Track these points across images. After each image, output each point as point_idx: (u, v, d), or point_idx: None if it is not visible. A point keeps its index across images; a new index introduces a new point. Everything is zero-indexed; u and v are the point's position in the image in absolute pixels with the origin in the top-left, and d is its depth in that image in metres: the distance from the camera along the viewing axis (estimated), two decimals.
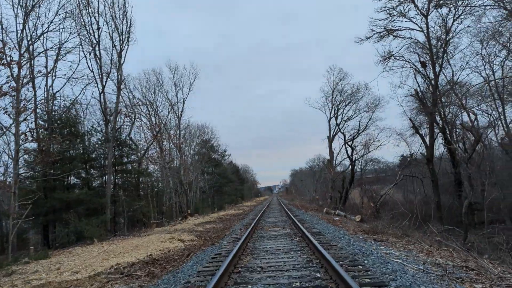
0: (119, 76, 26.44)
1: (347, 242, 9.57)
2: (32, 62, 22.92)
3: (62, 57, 25.27)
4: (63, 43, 24.78)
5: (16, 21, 21.27)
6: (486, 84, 26.80)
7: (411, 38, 27.26)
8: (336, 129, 45.19)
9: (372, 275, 5.76)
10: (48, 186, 22.98)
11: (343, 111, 44.99)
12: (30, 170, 24.21)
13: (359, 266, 6.45)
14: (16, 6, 21.33)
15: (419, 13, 25.99)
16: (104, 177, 28.21)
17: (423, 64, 27.19)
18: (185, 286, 6.16)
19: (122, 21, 26.36)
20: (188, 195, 39.53)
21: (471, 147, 25.83)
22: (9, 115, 18.38)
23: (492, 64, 27.09)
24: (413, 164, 35.03)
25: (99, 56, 25.78)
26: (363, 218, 22.76)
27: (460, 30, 25.50)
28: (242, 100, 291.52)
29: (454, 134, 28.98)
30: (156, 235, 17.19)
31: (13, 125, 18.47)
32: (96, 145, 29.31)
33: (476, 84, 27.25)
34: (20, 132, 18.70)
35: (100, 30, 25.77)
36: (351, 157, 42.99)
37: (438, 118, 27.24)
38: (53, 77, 25.41)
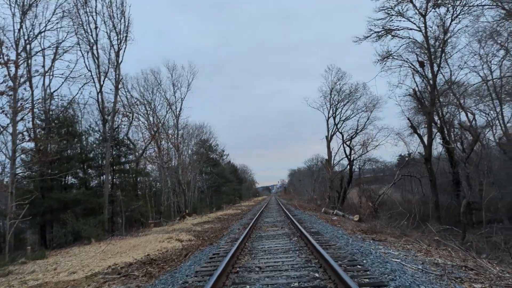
0: (117, 75, 26.38)
1: (345, 242, 9.54)
2: (29, 61, 22.84)
3: (60, 56, 25.18)
4: (60, 43, 24.69)
5: (13, 20, 21.19)
6: (484, 84, 26.85)
7: (409, 38, 27.29)
8: (334, 129, 45.21)
9: (371, 275, 5.73)
10: (45, 186, 22.86)
11: (341, 111, 45.00)
12: (27, 169, 24.10)
13: (358, 266, 6.42)
14: (13, 5, 21.23)
15: (417, 12, 26.01)
16: (101, 177, 28.12)
17: (421, 64, 27.18)
18: (182, 286, 6.12)
19: (120, 20, 26.35)
20: (186, 195, 39.47)
21: (469, 147, 25.86)
22: (6, 114, 18.33)
23: (490, 64, 27.18)
24: (411, 163, 35.05)
25: (96, 55, 25.76)
26: (361, 217, 22.74)
27: (458, 29, 25.55)
28: (241, 100, 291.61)
29: (452, 133, 29.02)
30: (154, 235, 17.13)
31: (10, 124, 18.40)
32: (94, 145, 29.19)
33: (474, 84, 27.32)
34: (17, 131, 18.62)
35: (98, 29, 25.76)
36: (349, 156, 42.99)
37: (436, 118, 27.27)
38: (51, 77, 25.36)
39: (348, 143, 43.13)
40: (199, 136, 54.22)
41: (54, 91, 25.79)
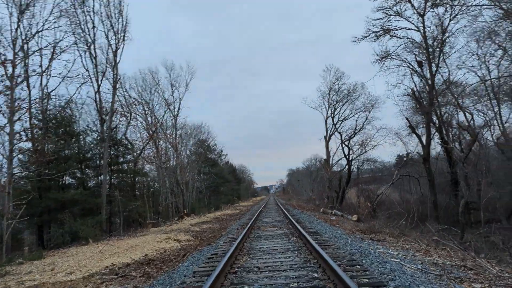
0: (115, 75, 26.25)
1: (344, 242, 9.51)
2: (26, 61, 22.69)
3: (57, 56, 24.97)
4: (58, 42, 24.51)
5: (10, 19, 21.06)
6: (482, 84, 26.87)
7: (408, 38, 27.28)
8: (332, 129, 45.18)
9: (371, 275, 5.70)
10: (42, 186, 22.77)
11: (339, 111, 44.95)
12: (24, 170, 23.98)
13: (357, 266, 6.38)
14: (10, 5, 21.11)
15: (416, 12, 26.01)
16: (99, 177, 28.01)
17: (420, 64, 27.19)
18: (180, 287, 6.07)
19: (118, 20, 26.21)
20: (185, 195, 39.39)
21: (468, 147, 25.88)
22: (3, 114, 18.18)
23: (488, 64, 27.20)
24: (410, 163, 35.07)
25: (94, 55, 25.60)
26: (360, 217, 22.76)
27: (457, 29, 25.56)
28: (240, 100, 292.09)
29: (450, 133, 29.03)
30: (152, 235, 17.07)
31: (7, 124, 18.28)
32: (92, 145, 29.09)
33: (472, 84, 27.34)
34: (15, 131, 18.52)
35: (96, 29, 25.59)
36: (347, 156, 43.01)
37: (434, 118, 27.27)
38: (48, 76, 25.16)
39: (346, 143, 43.18)
40: (197, 136, 54.17)
41: (51, 91, 25.64)
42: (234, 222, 21.64)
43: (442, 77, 27.88)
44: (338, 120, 44.84)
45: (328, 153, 45.67)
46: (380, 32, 27.08)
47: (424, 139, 28.61)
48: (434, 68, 26.36)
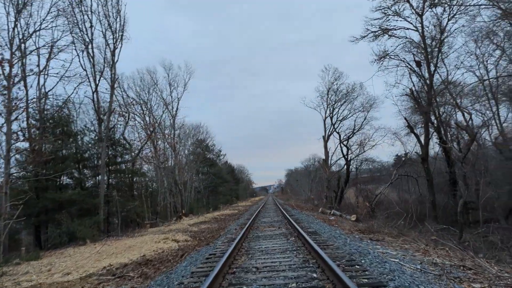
0: (113, 75, 26.22)
1: (343, 242, 9.47)
2: (24, 60, 22.65)
3: (55, 55, 24.96)
4: (55, 42, 24.49)
5: (7, 19, 21.05)
6: (480, 84, 26.90)
7: (406, 38, 27.24)
8: (331, 129, 45.18)
9: (370, 275, 5.65)
10: (40, 186, 22.68)
11: (338, 111, 44.98)
12: (22, 170, 23.88)
13: (356, 266, 6.34)
14: (8, 4, 21.08)
15: (414, 12, 25.98)
16: (97, 177, 27.94)
17: (418, 64, 27.18)
18: (178, 287, 6.01)
19: (116, 19, 26.17)
20: (183, 195, 39.33)
21: (466, 147, 25.85)
22: (0, 114, 18.12)
23: (486, 64, 27.23)
24: (408, 163, 35.06)
25: (92, 54, 25.56)
26: (358, 217, 22.72)
27: (455, 29, 25.55)
28: (239, 100, 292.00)
29: (448, 133, 29.03)
30: (150, 236, 17.02)
31: (4, 124, 18.20)
32: (89, 145, 29.01)
33: (471, 84, 27.36)
34: (12, 131, 18.43)
35: (93, 28, 25.56)
36: (346, 156, 42.97)
37: (433, 118, 27.26)
38: (45, 76, 25.12)
39: (345, 143, 43.15)
40: (195, 136, 54.11)
41: (49, 91, 25.58)
42: (233, 222, 21.58)
43: (440, 77, 27.91)
44: (336, 120, 44.89)
45: (326, 153, 45.67)
46: (379, 32, 27.05)
47: (422, 139, 28.61)
48: (432, 68, 26.36)
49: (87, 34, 25.36)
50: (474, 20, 23.29)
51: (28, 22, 22.48)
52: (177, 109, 40.36)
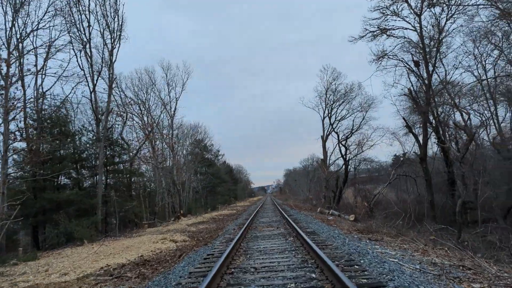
0: (111, 74, 26.13)
1: (342, 242, 9.43)
2: (21, 60, 22.55)
3: (52, 55, 24.85)
4: (53, 41, 24.39)
5: (5, 18, 20.96)
6: (479, 84, 26.95)
7: (405, 37, 27.29)
8: (329, 129, 45.24)
9: (369, 275, 5.62)
10: (37, 186, 22.56)
11: (336, 111, 45.10)
12: (19, 170, 23.78)
13: (356, 266, 6.30)
14: (5, 3, 20.99)
15: (412, 12, 26.02)
16: (95, 177, 27.84)
17: (417, 63, 27.20)
18: None
19: (114, 19, 26.10)
20: (181, 195, 39.26)
21: (464, 146, 25.88)
22: None
23: (484, 64, 27.30)
24: (407, 163, 35.11)
25: (90, 54, 25.48)
26: (357, 217, 22.71)
27: (453, 29, 25.64)
28: (238, 99, 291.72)
29: (447, 133, 29.07)
30: (148, 236, 16.96)
31: (1, 124, 18.13)
32: (87, 145, 28.90)
33: (469, 84, 27.42)
34: (9, 131, 18.35)
35: (91, 28, 25.47)
36: (344, 156, 43.02)
37: (431, 117, 27.29)
38: (43, 76, 25.04)
39: (343, 143, 43.20)
40: (194, 136, 54.07)
41: (46, 91, 25.52)
42: (231, 222, 21.54)
43: (438, 76, 27.98)
44: (335, 120, 44.98)
45: (325, 153, 45.72)
46: (377, 31, 27.08)
47: (421, 138, 28.65)
48: (430, 68, 26.41)
49: (84, 34, 25.31)
50: (472, 20, 23.36)
51: (26, 22, 22.41)
52: (175, 109, 40.38)
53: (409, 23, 26.57)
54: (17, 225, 23.35)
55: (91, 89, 25.61)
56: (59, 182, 25.56)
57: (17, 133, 20.50)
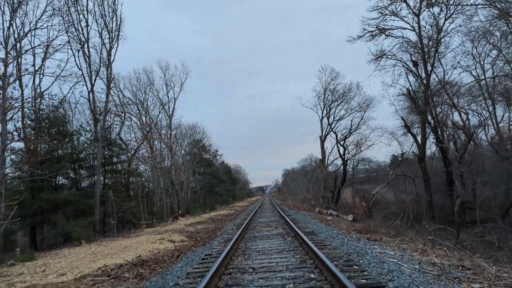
0: (109, 74, 26.03)
1: (340, 242, 9.40)
2: (19, 60, 22.50)
3: (50, 55, 24.82)
4: (51, 41, 24.34)
5: (2, 18, 20.91)
6: (477, 84, 26.96)
7: (403, 37, 27.25)
8: (328, 129, 45.22)
9: (368, 275, 5.58)
10: (35, 186, 22.51)
11: (335, 111, 45.08)
12: (17, 170, 23.72)
13: (355, 266, 6.26)
14: (3, 3, 20.95)
15: (411, 12, 25.98)
16: (93, 178, 27.77)
17: (415, 63, 27.18)
18: None
19: (112, 19, 25.97)
20: (179, 196, 39.18)
21: (463, 146, 25.91)
22: None
23: (483, 64, 27.32)
24: (405, 163, 35.13)
25: (88, 54, 25.34)
26: (355, 217, 22.69)
27: (452, 29, 25.61)
28: (237, 99, 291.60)
29: (445, 133, 29.10)
30: (146, 236, 16.90)
31: None
32: (85, 145, 28.86)
33: (467, 84, 27.44)
34: (7, 131, 18.30)
35: (89, 27, 25.34)
36: (343, 156, 42.97)
37: (429, 117, 27.29)
38: (41, 76, 24.97)
39: (342, 143, 43.15)
40: (192, 136, 54.05)
41: (44, 90, 25.45)
42: (229, 222, 21.50)
43: (437, 76, 27.98)
44: (333, 120, 44.96)
45: (323, 153, 45.71)
46: (376, 31, 27.02)
47: (419, 138, 28.64)
48: (429, 68, 26.39)
49: (83, 34, 25.19)
50: (471, 20, 23.36)
51: (24, 21, 22.37)
52: (173, 109, 40.28)
53: (408, 23, 26.56)
54: (15, 226, 23.29)
55: (89, 89, 25.52)
56: (57, 182, 25.52)
57: (14, 133, 20.51)
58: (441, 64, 27.28)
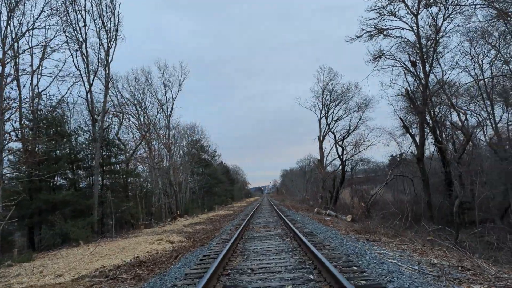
0: (107, 74, 25.99)
1: (339, 242, 9.36)
2: (16, 60, 22.39)
3: (48, 55, 24.73)
4: (49, 41, 24.26)
5: (0, 17, 20.78)
6: (475, 84, 26.95)
7: (402, 38, 27.29)
8: (326, 129, 45.19)
9: (368, 276, 5.54)
10: (33, 187, 22.40)
11: (333, 111, 45.02)
12: (15, 170, 23.61)
13: (354, 267, 6.22)
14: (0, 3, 20.83)
15: (409, 12, 26.01)
16: (91, 178, 27.68)
17: (413, 64, 27.19)
18: None
19: (110, 19, 25.92)
20: (178, 196, 39.11)
21: (461, 147, 25.91)
22: None
23: (481, 64, 27.31)
24: (403, 163, 35.12)
25: (86, 54, 25.29)
26: (354, 218, 22.68)
27: (450, 29, 25.65)
28: (237, 100, 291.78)
29: (444, 133, 29.09)
30: (144, 237, 16.85)
31: None
32: (83, 145, 28.76)
33: (466, 84, 27.44)
34: (4, 131, 18.21)
35: (87, 27, 25.29)
36: (341, 157, 42.98)
37: (428, 118, 27.29)
38: (39, 76, 24.87)
39: (340, 143, 43.16)
40: (190, 136, 53.95)
41: (42, 91, 25.32)
42: (228, 222, 21.46)
43: (435, 77, 27.99)
44: (331, 120, 44.92)
45: (321, 153, 45.67)
46: (374, 31, 27.05)
47: (418, 139, 28.65)
48: (427, 68, 26.40)
49: (80, 34, 25.13)
50: (469, 20, 23.38)
51: (21, 21, 22.28)
52: (172, 109, 40.24)
53: (406, 23, 26.59)
54: (13, 226, 23.19)
55: (87, 89, 25.44)
56: (55, 182, 25.41)
57: (12, 133, 20.40)
58: (440, 64, 27.34)
